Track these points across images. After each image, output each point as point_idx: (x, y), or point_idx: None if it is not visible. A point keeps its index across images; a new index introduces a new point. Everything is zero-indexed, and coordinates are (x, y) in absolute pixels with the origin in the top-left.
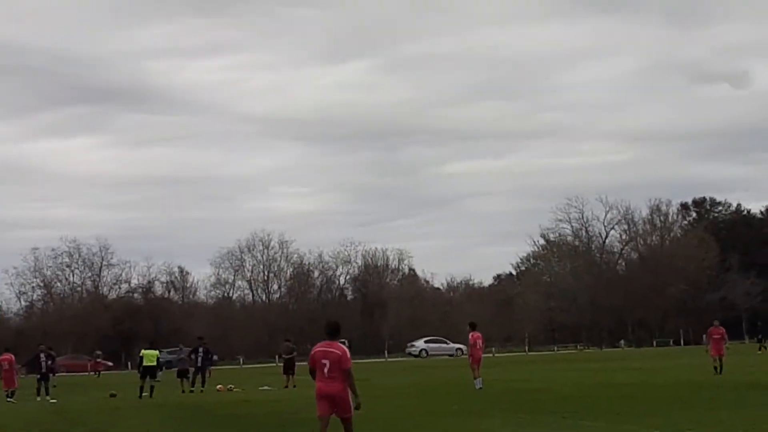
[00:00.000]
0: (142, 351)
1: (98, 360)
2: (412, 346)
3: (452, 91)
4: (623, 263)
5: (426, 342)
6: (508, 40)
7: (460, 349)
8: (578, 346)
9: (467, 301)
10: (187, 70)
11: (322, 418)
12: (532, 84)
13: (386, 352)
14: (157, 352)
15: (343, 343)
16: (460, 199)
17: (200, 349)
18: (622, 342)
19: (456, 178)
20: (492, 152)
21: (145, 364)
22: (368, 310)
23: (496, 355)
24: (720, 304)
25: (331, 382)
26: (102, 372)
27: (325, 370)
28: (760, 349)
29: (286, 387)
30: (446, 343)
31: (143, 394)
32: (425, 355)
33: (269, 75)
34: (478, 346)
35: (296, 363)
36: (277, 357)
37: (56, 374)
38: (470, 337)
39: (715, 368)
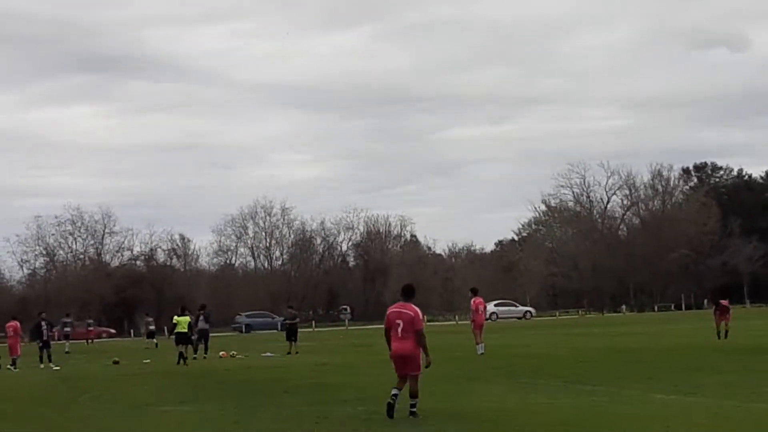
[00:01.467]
0: (175, 317)
1: (90, 328)
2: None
3: (452, 57)
4: (625, 228)
5: (495, 305)
6: (508, 7)
7: (529, 311)
8: (580, 312)
9: (469, 267)
10: (187, 38)
11: (401, 374)
12: (531, 50)
13: None
14: (188, 317)
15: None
16: (461, 166)
17: (202, 316)
18: (623, 307)
19: (457, 145)
20: (493, 118)
21: (177, 330)
22: (370, 277)
23: (498, 320)
24: (721, 269)
25: (404, 341)
26: (95, 340)
27: (399, 330)
28: None
29: (289, 353)
30: (515, 305)
31: (184, 359)
32: (495, 318)
33: (268, 43)
34: (479, 312)
35: (299, 329)
36: (279, 323)
37: (69, 340)
38: (472, 302)
39: (718, 333)
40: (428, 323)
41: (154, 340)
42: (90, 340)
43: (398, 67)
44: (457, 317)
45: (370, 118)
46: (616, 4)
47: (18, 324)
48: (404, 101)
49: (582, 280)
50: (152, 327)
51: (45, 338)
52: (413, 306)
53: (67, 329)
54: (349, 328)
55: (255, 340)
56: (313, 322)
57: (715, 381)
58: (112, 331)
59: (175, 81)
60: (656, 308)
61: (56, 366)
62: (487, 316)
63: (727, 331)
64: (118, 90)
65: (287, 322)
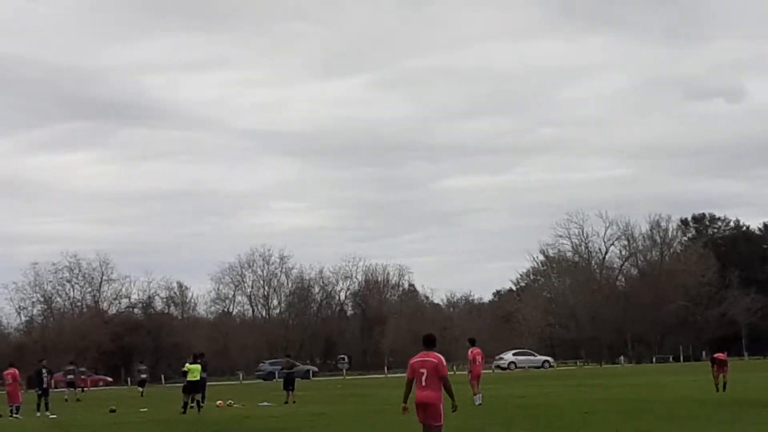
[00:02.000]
0: (186, 365)
1: (82, 376)
2: (501, 358)
3: (450, 106)
4: (623, 279)
5: (514, 354)
6: (505, 56)
7: (547, 361)
8: (578, 362)
9: (467, 317)
10: (185, 85)
11: (424, 424)
12: (529, 100)
13: (386, 367)
14: (200, 366)
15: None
16: (460, 215)
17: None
18: (621, 358)
19: (456, 194)
20: (491, 168)
21: (189, 378)
22: (368, 326)
23: (496, 371)
24: (720, 320)
25: (428, 389)
26: (90, 388)
27: (423, 379)
28: None
29: (286, 402)
30: (534, 355)
31: (190, 407)
32: (513, 367)
33: (266, 90)
34: (477, 362)
35: (296, 379)
36: (276, 373)
37: (74, 388)
38: (469, 353)
39: (717, 386)
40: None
41: (141, 389)
42: (82, 389)
43: (396, 115)
44: (455, 367)
45: (368, 167)
46: (613, 54)
47: (17, 371)
48: (402, 150)
49: (580, 330)
50: (144, 375)
51: (45, 386)
52: (436, 353)
53: (71, 377)
54: (347, 377)
55: (253, 389)
56: (311, 372)
57: None
58: (109, 379)
59: (172, 128)
60: (654, 359)
61: (52, 414)
62: (506, 365)
63: (725, 384)
64: (115, 137)
65: (285, 371)
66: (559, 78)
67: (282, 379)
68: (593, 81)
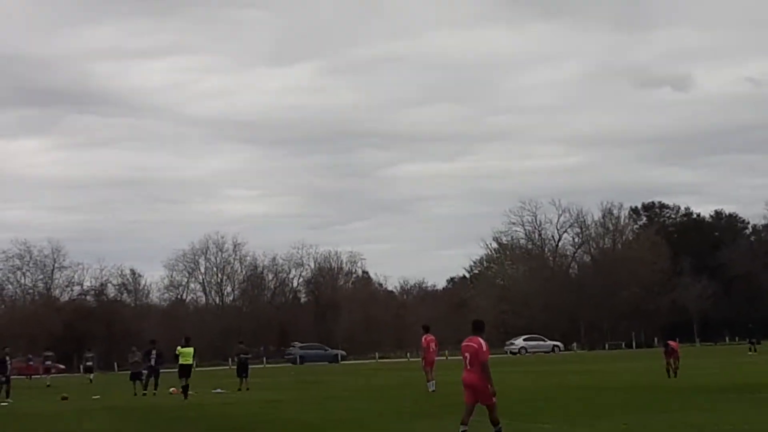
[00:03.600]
0: (178, 348)
1: (30, 363)
2: (512, 344)
3: (401, 94)
4: (576, 266)
5: (525, 340)
6: (455, 44)
7: (557, 346)
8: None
9: (420, 304)
10: (133, 72)
11: (468, 404)
12: (480, 87)
13: (339, 355)
14: (192, 349)
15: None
16: (412, 202)
17: (153, 352)
18: (574, 345)
19: (408, 181)
20: (443, 155)
21: (180, 362)
22: (321, 313)
23: (449, 357)
24: (671, 307)
25: (471, 372)
26: (33, 376)
27: (467, 362)
28: (751, 350)
29: (239, 390)
30: (543, 340)
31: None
32: (524, 352)
33: (216, 77)
34: (431, 349)
35: (249, 366)
36: (230, 359)
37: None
38: (423, 339)
39: (668, 372)
40: (379, 360)
41: (90, 375)
42: (29, 376)
43: (347, 103)
44: (408, 354)
45: (320, 154)
46: (563, 42)
47: None
48: (353, 137)
49: (533, 317)
50: (90, 363)
51: (8, 373)
52: (480, 339)
53: (48, 363)
54: (300, 364)
55: (205, 376)
56: (264, 359)
57: (664, 420)
58: (61, 366)
59: (121, 115)
60: (607, 346)
61: (5, 402)
62: (516, 350)
63: (676, 370)
64: (64, 123)
65: (238, 357)
66: (509, 66)
67: (235, 366)
68: (543, 69)
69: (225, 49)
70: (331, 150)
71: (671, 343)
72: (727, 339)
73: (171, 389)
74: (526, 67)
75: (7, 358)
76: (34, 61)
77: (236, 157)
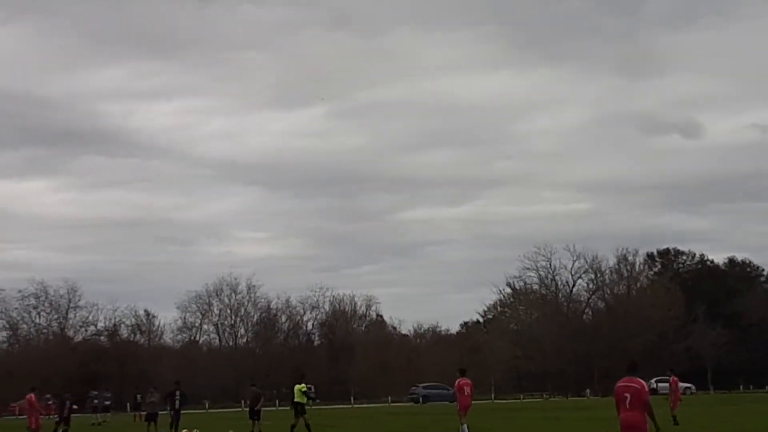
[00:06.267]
0: (296, 386)
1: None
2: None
3: (407, 138)
4: (590, 312)
5: (656, 381)
6: (462, 89)
7: (689, 387)
8: (544, 395)
9: (434, 348)
10: (140, 113)
11: None
12: (486, 132)
13: (352, 398)
14: (302, 386)
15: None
16: (421, 247)
17: (177, 393)
18: (587, 391)
19: (416, 225)
20: (450, 199)
21: (295, 399)
22: (335, 356)
23: (407, 404)
24: (686, 354)
25: (632, 412)
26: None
27: (627, 403)
28: None
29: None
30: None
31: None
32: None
33: (222, 119)
34: (465, 393)
35: (262, 409)
36: (243, 402)
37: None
38: (456, 383)
39: (674, 417)
40: (392, 404)
41: (96, 416)
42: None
43: (353, 146)
44: (421, 399)
45: (327, 197)
46: (569, 88)
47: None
48: (361, 181)
49: (546, 363)
50: (96, 401)
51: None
52: (639, 380)
53: (96, 402)
54: (313, 407)
55: (218, 417)
56: (277, 401)
57: None
58: (75, 406)
59: (130, 156)
60: None
61: None
62: None
63: (674, 417)
64: (73, 164)
65: (250, 401)
66: (516, 111)
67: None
68: (549, 114)
69: (230, 91)
70: (338, 193)
71: (673, 376)
72: (741, 387)
73: (184, 431)
74: (533, 112)
75: (67, 402)
76: (41, 102)
77: (244, 199)
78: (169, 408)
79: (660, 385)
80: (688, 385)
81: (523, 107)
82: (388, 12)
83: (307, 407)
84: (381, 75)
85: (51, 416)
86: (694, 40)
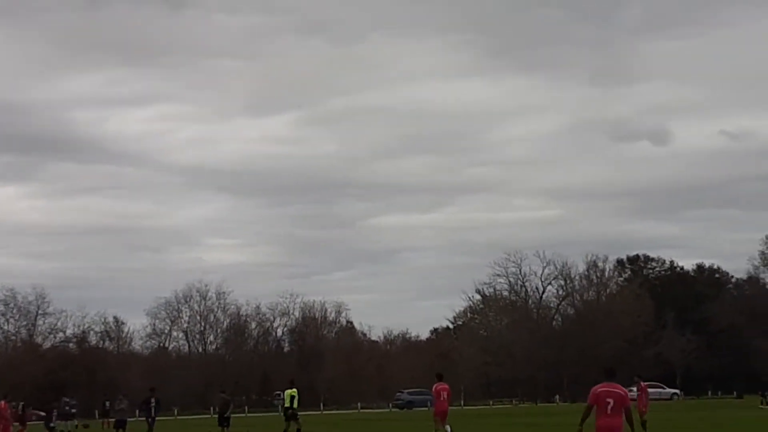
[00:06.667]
0: (287, 392)
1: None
2: (631, 390)
3: (380, 145)
4: (560, 318)
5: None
6: (434, 96)
7: (676, 393)
8: (513, 401)
9: (404, 354)
10: (113, 120)
11: None
12: (459, 139)
13: (322, 404)
14: (293, 390)
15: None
16: (393, 253)
17: (152, 400)
18: (557, 397)
19: (389, 232)
20: (423, 206)
21: (285, 405)
22: (305, 362)
23: (431, 408)
24: (655, 360)
25: (613, 417)
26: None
27: (608, 408)
28: (762, 404)
29: None
30: (663, 388)
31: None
32: None
33: (195, 126)
34: (441, 398)
35: (231, 415)
36: (212, 408)
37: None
38: (434, 388)
39: (643, 423)
40: (362, 410)
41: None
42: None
43: (326, 153)
44: (390, 405)
45: (300, 204)
46: (541, 95)
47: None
48: (333, 188)
49: (516, 369)
50: (68, 408)
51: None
52: (620, 386)
53: (68, 408)
54: (282, 413)
55: (187, 424)
56: (246, 408)
57: None
58: (42, 413)
59: (102, 163)
60: None
61: None
62: (634, 397)
63: (643, 422)
64: (44, 171)
65: (219, 407)
66: (489, 118)
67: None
68: (522, 122)
69: (203, 98)
70: (311, 200)
71: (641, 382)
72: (710, 393)
73: None
74: (505, 120)
75: (68, 408)
76: (13, 108)
77: (216, 206)
78: (144, 415)
79: (650, 390)
80: (676, 390)
81: (496, 115)
82: (362, 19)
83: (275, 413)
84: (355, 82)
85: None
86: (664, 48)
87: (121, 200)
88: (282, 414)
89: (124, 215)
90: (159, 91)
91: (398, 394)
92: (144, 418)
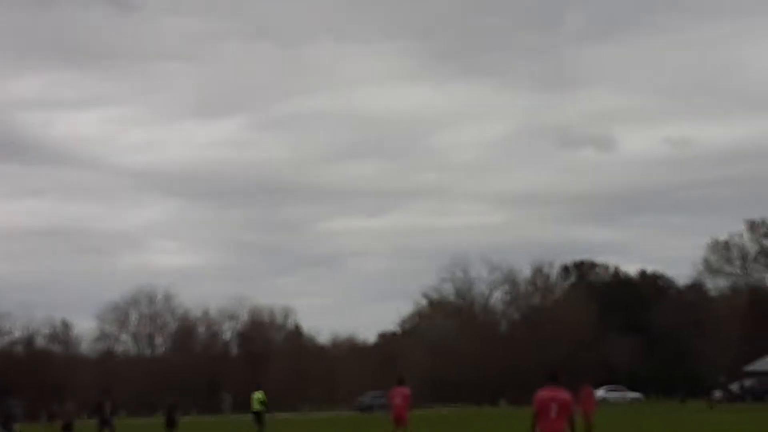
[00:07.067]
0: (255, 394)
1: None
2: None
3: (328, 149)
4: (506, 323)
5: (607, 390)
6: (381, 101)
7: (637, 398)
8: (460, 405)
9: (351, 358)
10: (59, 123)
11: None
12: (405, 144)
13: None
14: (260, 394)
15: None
16: (341, 257)
17: (107, 403)
18: (502, 401)
19: (337, 236)
20: (370, 210)
21: (253, 409)
22: (252, 366)
23: (353, 414)
24: (599, 364)
25: (557, 422)
26: None
27: (552, 413)
28: (710, 407)
29: None
30: (624, 391)
31: None
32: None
33: (143, 129)
34: (397, 402)
35: (179, 419)
36: (160, 412)
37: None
38: (392, 392)
39: (589, 429)
40: (310, 413)
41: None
42: None
43: (273, 157)
44: (352, 408)
45: (247, 208)
46: (486, 101)
47: None
48: (280, 192)
49: (462, 373)
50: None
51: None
52: (564, 390)
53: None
54: (230, 416)
55: (134, 428)
56: (194, 410)
57: None
58: None
59: (48, 165)
60: None
61: None
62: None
63: (590, 428)
64: None
65: (166, 411)
66: (434, 123)
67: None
68: (467, 127)
69: (152, 101)
70: (258, 204)
71: (585, 390)
72: (653, 396)
73: None
74: (451, 125)
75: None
76: None
77: (163, 209)
78: (98, 419)
79: (612, 395)
80: (637, 394)
81: (443, 120)
82: (308, 24)
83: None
84: (302, 86)
85: None
86: (609, 54)
87: (67, 203)
88: (253, 419)
89: (71, 218)
90: (107, 94)
91: (360, 397)
92: (97, 421)
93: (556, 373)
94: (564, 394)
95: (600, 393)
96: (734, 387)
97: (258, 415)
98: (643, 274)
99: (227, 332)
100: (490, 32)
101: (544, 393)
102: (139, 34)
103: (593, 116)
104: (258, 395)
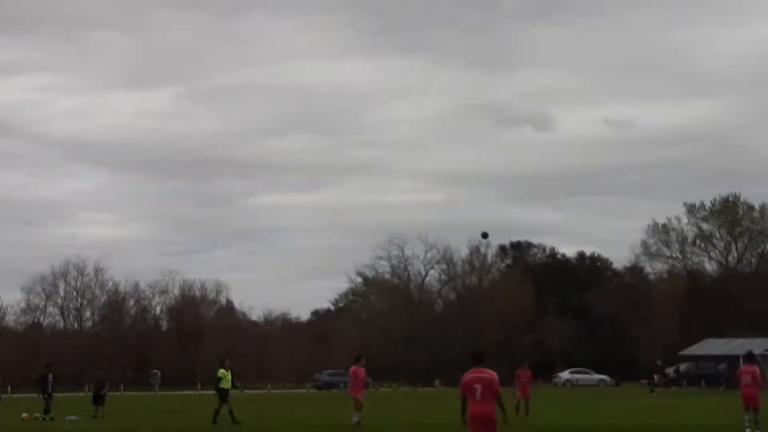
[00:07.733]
0: (221, 371)
1: None
2: (557, 377)
3: (261, 122)
4: (441, 303)
5: (571, 373)
6: (318, 75)
7: (603, 380)
8: (393, 385)
9: (284, 335)
10: None
11: None
12: (341, 119)
13: (200, 384)
14: (223, 371)
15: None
16: (275, 232)
17: (50, 376)
18: (437, 381)
19: (269, 211)
20: (304, 186)
21: (222, 386)
22: (183, 342)
23: (311, 391)
24: (535, 347)
25: (483, 404)
26: None
27: (477, 395)
28: (651, 391)
29: (95, 417)
30: (590, 374)
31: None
32: (569, 385)
33: (72, 98)
34: (357, 380)
35: (107, 394)
36: (87, 387)
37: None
38: (351, 370)
39: (517, 409)
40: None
41: None
42: None
43: (205, 129)
44: (269, 386)
45: (179, 181)
46: (423, 78)
47: None
48: (213, 165)
49: (397, 352)
50: None
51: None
52: (489, 370)
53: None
54: (159, 392)
55: (61, 402)
56: (122, 386)
57: None
58: None
59: None
60: None
61: None
62: (561, 383)
63: (527, 408)
64: None
65: (94, 385)
66: (371, 99)
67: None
68: (404, 104)
69: (80, 69)
70: (190, 177)
71: (521, 371)
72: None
73: (24, 415)
74: (387, 101)
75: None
76: None
77: (93, 180)
78: (41, 392)
79: (577, 377)
80: (603, 377)
81: (378, 96)
82: None
83: (151, 392)
84: (236, 58)
85: None
86: (548, 34)
87: None
88: (216, 395)
89: None
90: (36, 61)
91: (317, 375)
92: (41, 394)
93: (480, 354)
94: (487, 374)
95: (565, 375)
96: (669, 371)
97: (225, 393)
98: (581, 255)
99: (158, 307)
100: (427, 8)
101: (468, 375)
102: (71, 1)
103: (532, 95)
104: (222, 372)
